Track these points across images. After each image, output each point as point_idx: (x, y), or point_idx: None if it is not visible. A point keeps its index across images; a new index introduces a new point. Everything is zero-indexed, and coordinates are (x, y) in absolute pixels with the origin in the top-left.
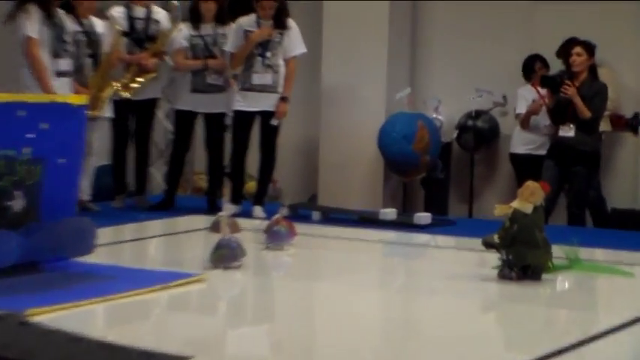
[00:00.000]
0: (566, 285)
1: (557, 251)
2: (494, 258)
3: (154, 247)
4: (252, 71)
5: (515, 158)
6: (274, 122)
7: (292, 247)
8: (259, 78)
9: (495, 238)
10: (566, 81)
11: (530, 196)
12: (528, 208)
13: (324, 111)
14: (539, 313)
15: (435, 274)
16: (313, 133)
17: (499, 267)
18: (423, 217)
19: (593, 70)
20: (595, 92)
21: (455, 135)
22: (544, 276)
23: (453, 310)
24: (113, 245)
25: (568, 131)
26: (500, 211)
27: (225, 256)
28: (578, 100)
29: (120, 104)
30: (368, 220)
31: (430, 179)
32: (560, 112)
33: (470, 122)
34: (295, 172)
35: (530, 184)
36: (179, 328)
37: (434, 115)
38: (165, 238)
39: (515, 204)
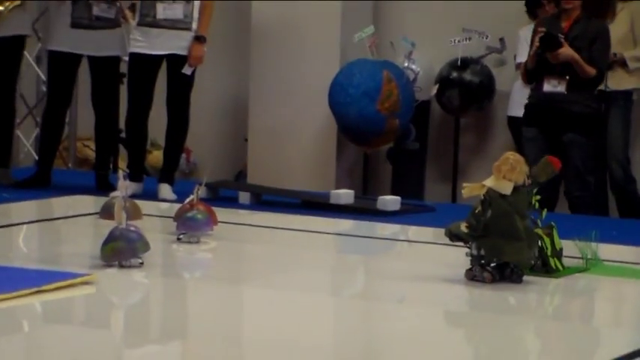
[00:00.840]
0: (558, 290)
1: (571, 248)
2: None
3: (24, 238)
4: (155, 0)
5: (514, 123)
6: (187, 70)
7: (211, 239)
8: (166, 9)
9: (463, 227)
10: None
11: (509, 172)
12: (507, 188)
13: (255, 58)
14: (520, 329)
15: (404, 277)
16: (240, 87)
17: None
18: (390, 201)
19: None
20: (593, 36)
21: (434, 91)
22: (528, 278)
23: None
24: None
25: (556, 85)
26: (469, 191)
27: (120, 250)
28: (577, 60)
29: None
30: (315, 205)
31: (400, 150)
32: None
33: (454, 74)
34: (216, 140)
35: (511, 156)
36: (57, 346)
37: (405, 64)
38: (39, 226)
39: (489, 182)
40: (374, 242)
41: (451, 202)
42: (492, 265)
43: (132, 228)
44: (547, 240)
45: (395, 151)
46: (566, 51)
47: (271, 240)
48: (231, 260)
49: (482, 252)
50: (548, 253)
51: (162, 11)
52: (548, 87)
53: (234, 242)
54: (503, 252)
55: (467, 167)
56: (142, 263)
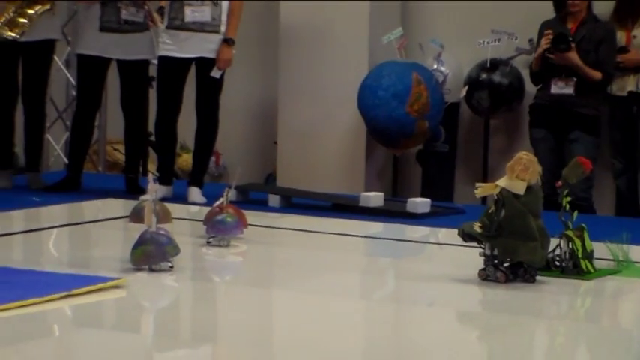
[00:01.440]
0: (573, 291)
1: (602, 250)
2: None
3: (54, 242)
4: (183, 3)
5: None
6: (215, 74)
7: (241, 242)
8: (194, 12)
9: (476, 227)
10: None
11: (522, 172)
12: (520, 188)
13: (284, 61)
14: (533, 330)
15: (434, 280)
16: (269, 90)
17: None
18: (420, 203)
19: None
20: (600, 38)
21: (463, 93)
22: (558, 279)
23: (453, 329)
24: None
25: (563, 87)
26: (482, 191)
27: (150, 253)
28: (580, 65)
29: (2, 48)
30: (344, 208)
31: (429, 153)
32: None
33: (484, 76)
34: (246, 144)
35: (524, 156)
36: (88, 350)
37: (434, 66)
38: (69, 229)
39: (502, 182)
40: (404, 245)
41: (481, 205)
42: (505, 264)
43: (162, 231)
44: (578, 242)
45: (424, 153)
46: (573, 56)
47: (301, 243)
48: (260, 263)
49: (496, 252)
50: (579, 254)
51: (190, 14)
52: (555, 89)
53: (264, 245)
54: (517, 252)
55: (496, 169)
56: (171, 267)
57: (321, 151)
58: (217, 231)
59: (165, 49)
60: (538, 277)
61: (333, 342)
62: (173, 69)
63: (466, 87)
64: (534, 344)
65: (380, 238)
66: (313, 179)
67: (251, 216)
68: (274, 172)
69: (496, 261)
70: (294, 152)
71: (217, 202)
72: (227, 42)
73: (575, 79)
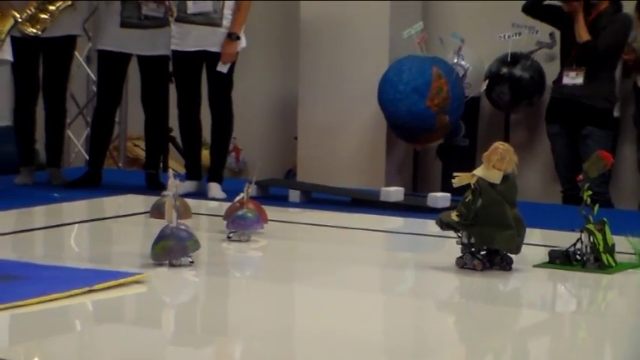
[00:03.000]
0: (594, 285)
1: (623, 244)
2: (538, 252)
3: (75, 237)
4: None
5: None
6: (222, 68)
7: (261, 237)
8: (195, 4)
9: (454, 215)
10: None
11: (499, 162)
12: (496, 177)
13: (304, 56)
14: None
15: (455, 274)
16: (290, 85)
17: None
18: (440, 198)
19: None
20: (611, 23)
21: (484, 87)
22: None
23: (471, 322)
24: (19, 235)
25: (574, 77)
26: (460, 180)
27: (171, 249)
28: (579, 18)
29: (23, 43)
30: (365, 203)
31: (450, 147)
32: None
33: (504, 70)
34: (266, 139)
35: (500, 146)
36: (109, 345)
37: (455, 60)
38: (90, 225)
39: (479, 171)
40: (424, 239)
41: None
42: (482, 253)
43: (182, 227)
44: (599, 236)
45: (445, 147)
46: (579, 8)
47: (321, 238)
48: (281, 258)
49: (473, 240)
50: (601, 249)
51: (192, 6)
52: (567, 79)
53: (285, 240)
54: (493, 240)
55: (518, 164)
56: (192, 262)
57: (342, 146)
58: (238, 226)
59: (173, 42)
60: (537, 268)
61: (353, 337)
62: (182, 63)
63: (487, 81)
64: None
65: (400, 233)
66: (333, 174)
67: (271, 211)
68: (294, 167)
69: (473, 249)
70: (314, 147)
71: (238, 198)
72: (230, 36)
73: (584, 68)
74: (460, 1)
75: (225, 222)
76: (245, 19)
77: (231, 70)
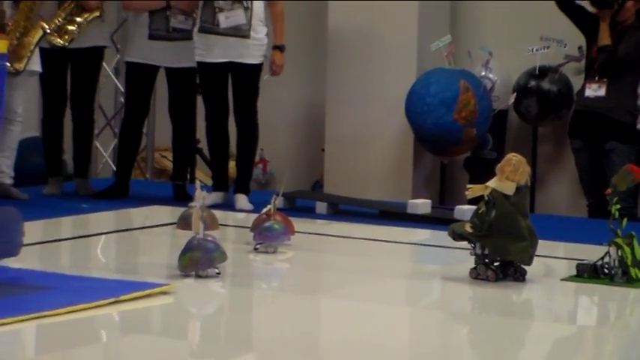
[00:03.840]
0: (622, 299)
1: None
2: (567, 265)
3: (102, 248)
4: (214, 6)
5: None
6: (266, 77)
7: (288, 249)
8: (228, 19)
9: (467, 227)
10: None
11: (512, 173)
12: (510, 189)
13: (332, 67)
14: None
15: (482, 287)
16: (317, 97)
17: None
18: (467, 211)
19: None
20: (635, 33)
21: (512, 100)
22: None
23: (496, 334)
24: (46, 245)
25: (597, 90)
26: (473, 192)
27: (198, 260)
28: (604, 25)
29: (52, 54)
30: (392, 215)
31: (477, 160)
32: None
33: (532, 83)
34: (293, 150)
35: (514, 158)
36: (135, 356)
37: (482, 73)
38: (117, 236)
39: (492, 183)
40: (452, 252)
41: (530, 212)
42: (496, 264)
43: (209, 238)
44: (627, 249)
45: (472, 160)
46: (607, 14)
47: (348, 250)
48: (308, 270)
49: (486, 251)
50: (629, 262)
51: (224, 20)
52: (589, 92)
53: (312, 252)
54: (507, 251)
55: (545, 177)
56: (219, 273)
57: (369, 158)
58: (265, 238)
59: (197, 54)
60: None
61: (379, 348)
62: (208, 74)
63: (514, 94)
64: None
65: (427, 245)
66: (360, 186)
67: (298, 223)
68: (321, 179)
69: (487, 260)
70: (341, 159)
71: (265, 209)
72: (279, 48)
73: (607, 80)
74: (488, 14)
75: (252, 234)
76: (284, 27)
77: (255, 81)
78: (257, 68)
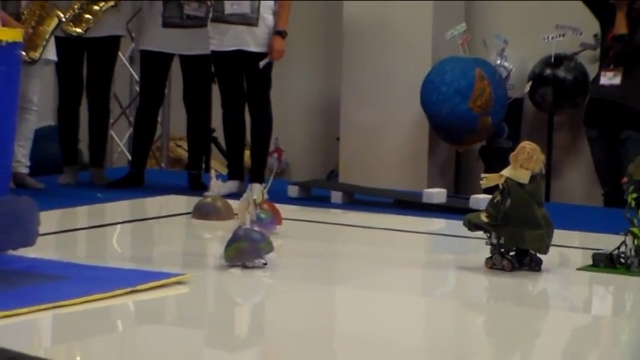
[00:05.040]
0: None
1: None
2: (581, 255)
3: (118, 238)
4: None
5: None
6: (262, 62)
7: (302, 238)
8: (233, 6)
9: (483, 216)
10: None
11: (526, 161)
12: (524, 177)
13: (347, 56)
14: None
15: (497, 277)
16: (332, 86)
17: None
18: (483, 200)
19: None
20: None
21: (527, 89)
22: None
23: (507, 322)
24: (62, 234)
25: (612, 78)
26: (488, 181)
27: (245, 250)
28: (620, 14)
29: (67, 43)
30: (407, 204)
31: (492, 149)
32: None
33: (548, 71)
34: (308, 140)
35: (527, 146)
36: (151, 345)
37: (498, 62)
38: (133, 225)
39: (507, 172)
40: (467, 242)
41: (545, 201)
42: (511, 253)
43: (255, 228)
44: None
45: (487, 149)
46: (623, 5)
47: (364, 240)
48: (323, 260)
49: (502, 240)
50: None
51: (229, 7)
52: (604, 80)
53: (327, 242)
54: (523, 240)
55: (560, 165)
56: (265, 264)
57: (384, 147)
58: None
59: (212, 42)
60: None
61: (395, 338)
62: (222, 62)
63: (530, 82)
64: None
65: (443, 235)
66: (375, 175)
67: (314, 212)
68: (337, 168)
69: (502, 250)
70: (356, 148)
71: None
72: (280, 34)
73: (622, 68)
74: (503, 2)
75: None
76: (289, 14)
77: (268, 69)
78: (266, 56)
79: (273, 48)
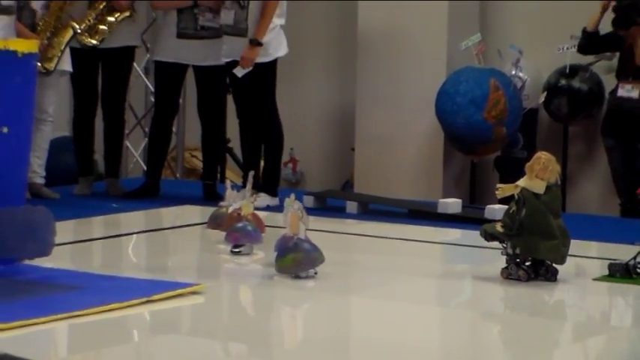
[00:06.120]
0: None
1: None
2: (599, 265)
3: (133, 248)
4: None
5: None
6: (238, 72)
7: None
8: (226, 14)
9: (498, 226)
10: None
11: (542, 172)
12: (540, 188)
13: (362, 67)
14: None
15: (513, 287)
16: (347, 96)
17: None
18: (498, 210)
19: None
20: None
21: (542, 99)
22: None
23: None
24: (77, 245)
25: (630, 90)
26: (503, 192)
27: (301, 261)
28: (639, 43)
29: (82, 54)
30: (422, 214)
31: (507, 159)
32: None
33: (563, 82)
34: (323, 150)
35: (543, 156)
36: (166, 355)
37: (513, 72)
38: (148, 236)
39: (522, 182)
40: (482, 252)
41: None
42: (527, 263)
43: (304, 238)
44: None
45: (502, 159)
46: (637, 31)
47: (379, 250)
48: (338, 270)
49: (518, 250)
50: None
51: (223, 16)
52: (622, 92)
53: (342, 252)
54: (538, 250)
55: (576, 176)
56: (316, 273)
57: (399, 158)
58: (237, 239)
59: (223, 54)
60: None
61: (410, 349)
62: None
63: (545, 93)
64: None
65: (458, 245)
66: (390, 185)
67: (328, 222)
68: (352, 178)
69: (518, 260)
70: (371, 158)
71: (235, 207)
72: (252, 42)
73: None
74: (518, 12)
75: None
76: (269, 24)
77: (269, 78)
78: (263, 66)
79: (242, 56)
